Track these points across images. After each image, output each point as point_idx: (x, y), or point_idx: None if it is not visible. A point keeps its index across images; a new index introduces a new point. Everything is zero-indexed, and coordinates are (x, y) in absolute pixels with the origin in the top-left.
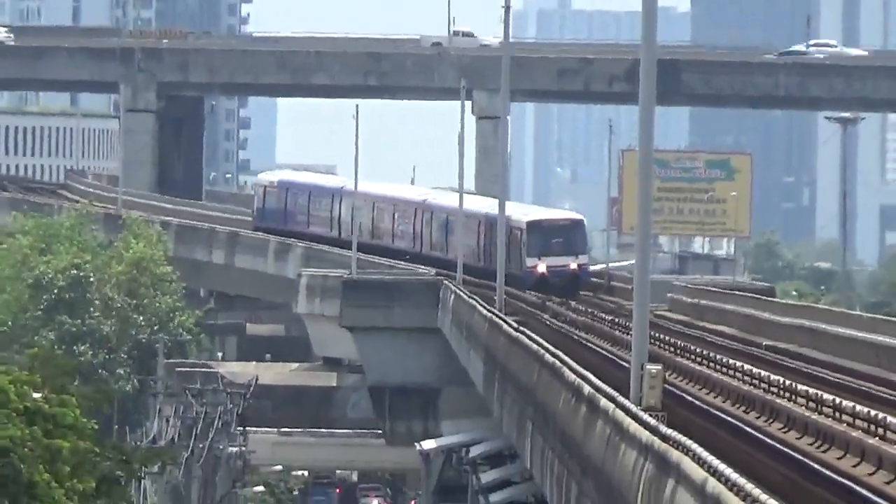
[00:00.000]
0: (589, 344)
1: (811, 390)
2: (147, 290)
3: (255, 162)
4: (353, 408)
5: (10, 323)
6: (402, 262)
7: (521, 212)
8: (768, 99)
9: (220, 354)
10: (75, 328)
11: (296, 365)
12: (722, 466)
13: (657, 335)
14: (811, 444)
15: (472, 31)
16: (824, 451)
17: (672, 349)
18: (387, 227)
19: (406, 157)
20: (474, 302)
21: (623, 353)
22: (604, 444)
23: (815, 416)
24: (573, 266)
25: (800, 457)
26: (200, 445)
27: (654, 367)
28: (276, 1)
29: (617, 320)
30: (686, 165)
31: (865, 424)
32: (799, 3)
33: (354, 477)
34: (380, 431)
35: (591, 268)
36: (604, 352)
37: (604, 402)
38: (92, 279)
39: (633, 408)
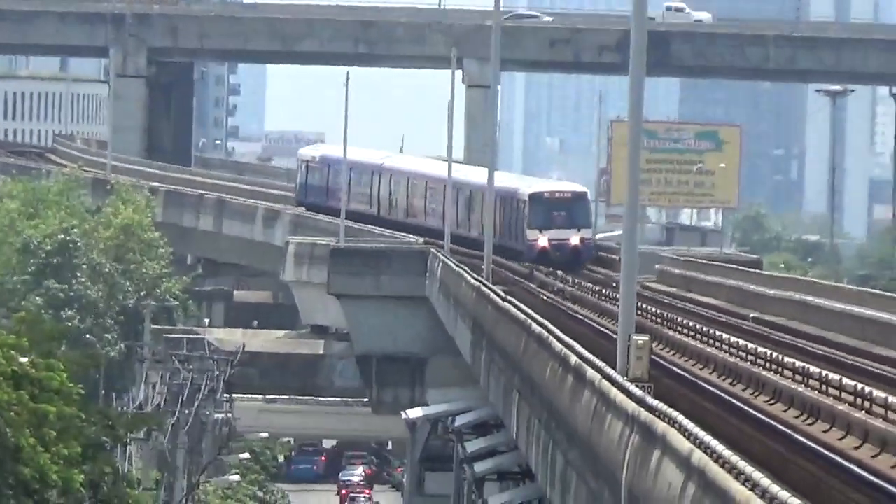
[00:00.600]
0: (576, 314)
1: (798, 363)
2: (135, 256)
3: (244, 128)
4: (339, 376)
5: None
6: (390, 231)
7: (525, 184)
8: (758, 71)
9: (207, 321)
10: (62, 293)
11: (283, 332)
12: (708, 438)
13: (644, 306)
14: (797, 417)
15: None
16: (810, 424)
17: (659, 320)
18: (419, 205)
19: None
20: (462, 271)
21: (610, 323)
22: (590, 414)
23: (801, 389)
24: (575, 240)
25: (786, 429)
26: (186, 412)
27: (640, 339)
28: None
29: (605, 291)
30: (675, 136)
31: (852, 398)
32: None
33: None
34: (366, 400)
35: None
36: (591, 322)
37: (590, 372)
38: (79, 244)
39: (620, 378)
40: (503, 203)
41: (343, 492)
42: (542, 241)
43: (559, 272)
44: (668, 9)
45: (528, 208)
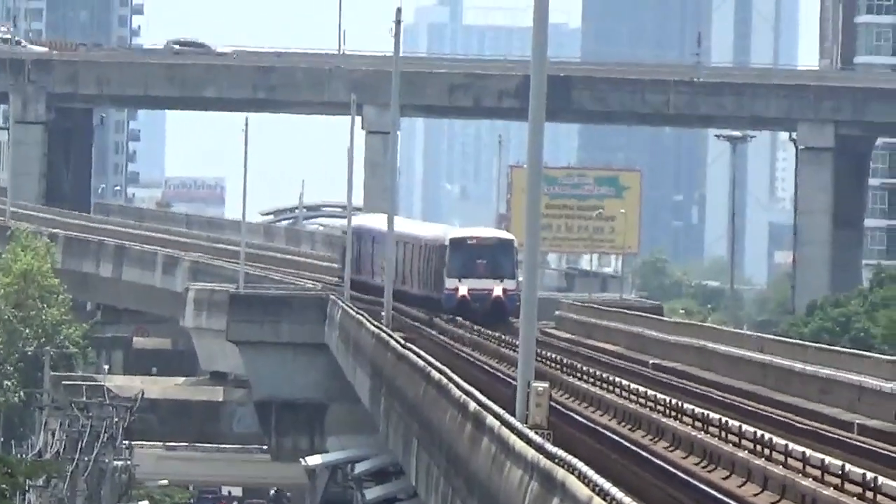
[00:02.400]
0: (476, 361)
1: (698, 409)
2: (34, 303)
3: (144, 174)
4: (238, 422)
5: None
6: (291, 277)
7: (445, 230)
8: (658, 116)
9: (106, 368)
10: None
11: (182, 379)
12: (607, 485)
13: (544, 353)
14: (697, 464)
15: None
16: (710, 471)
17: (559, 367)
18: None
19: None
20: (361, 317)
21: (510, 370)
22: (489, 461)
23: (701, 436)
24: (498, 291)
25: (685, 476)
26: (86, 459)
27: (540, 385)
28: (167, 14)
29: (504, 337)
30: (575, 182)
31: (752, 445)
32: (690, 21)
33: (239, 492)
34: (265, 447)
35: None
36: (491, 369)
37: (490, 419)
38: None
39: (519, 425)
40: (424, 250)
41: None
42: (462, 290)
43: (458, 319)
44: None
45: (448, 255)
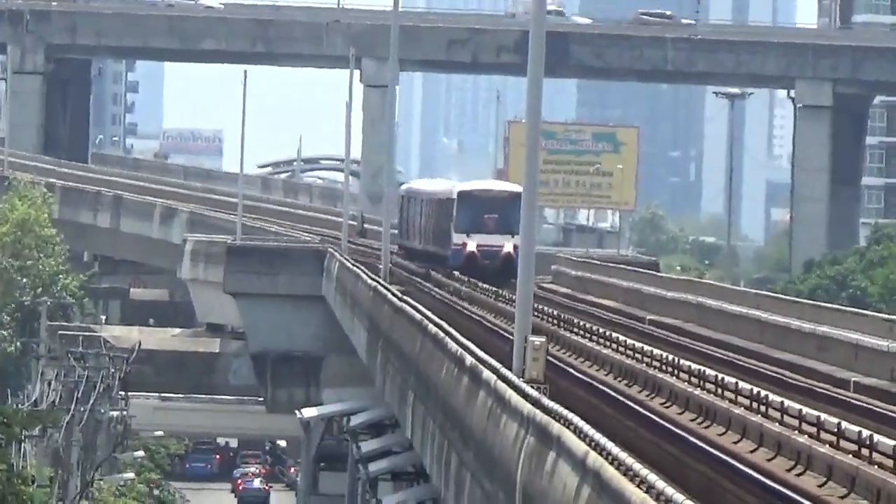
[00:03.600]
0: (473, 315)
1: (694, 366)
2: (31, 252)
3: (142, 126)
4: (234, 374)
5: None
6: (287, 229)
7: (453, 183)
8: (656, 73)
9: (103, 318)
10: None
11: (179, 331)
12: (603, 440)
13: (541, 307)
14: (693, 420)
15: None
16: (706, 427)
17: (556, 322)
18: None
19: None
20: (358, 271)
21: (507, 324)
22: (485, 415)
23: (697, 392)
24: (508, 247)
25: (681, 432)
26: (81, 409)
27: (537, 340)
28: None
29: (501, 292)
30: (573, 138)
31: (748, 401)
32: None
33: (235, 443)
34: (261, 398)
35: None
36: (488, 323)
37: (486, 373)
38: None
39: (516, 380)
40: (432, 205)
41: (239, 483)
42: (470, 245)
43: (455, 273)
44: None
45: (456, 208)
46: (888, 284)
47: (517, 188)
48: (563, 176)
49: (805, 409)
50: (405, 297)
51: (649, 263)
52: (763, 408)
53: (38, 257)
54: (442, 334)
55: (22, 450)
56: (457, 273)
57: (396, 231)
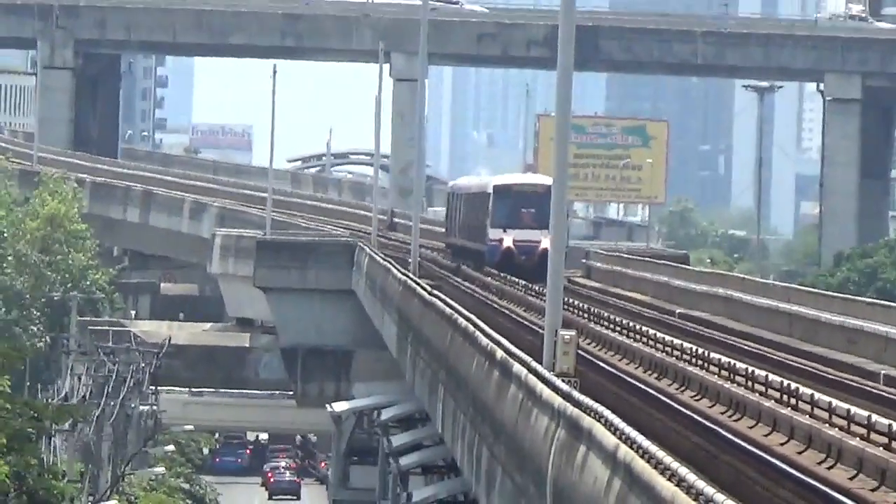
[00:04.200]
0: (503, 309)
1: (724, 359)
2: (61, 247)
3: (172, 121)
4: (265, 368)
5: None
6: (317, 224)
7: (495, 178)
8: (686, 66)
9: (133, 313)
10: None
11: (209, 325)
12: (634, 433)
13: (571, 301)
14: (723, 413)
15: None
16: (736, 420)
17: (586, 315)
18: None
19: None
20: (388, 265)
21: (537, 318)
22: (516, 409)
23: (727, 385)
24: (545, 243)
25: (712, 425)
26: (112, 404)
27: (567, 333)
28: None
29: (531, 286)
30: (602, 131)
31: (778, 394)
32: None
33: (265, 437)
34: (291, 393)
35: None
36: (518, 317)
37: (517, 367)
38: (6, 235)
39: (546, 373)
40: (470, 201)
41: (269, 475)
42: (507, 241)
43: (486, 267)
44: None
45: (492, 203)
46: None
47: (550, 180)
48: (593, 170)
49: (835, 402)
50: (435, 292)
51: (679, 257)
52: (793, 401)
53: (67, 252)
54: (472, 328)
55: (52, 444)
56: (493, 270)
57: (444, 230)
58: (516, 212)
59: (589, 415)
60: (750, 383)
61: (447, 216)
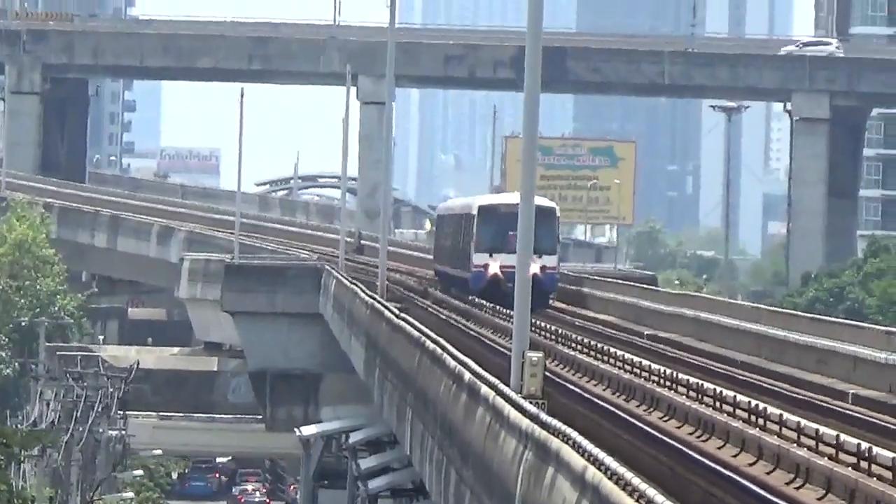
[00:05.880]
0: (470, 331)
1: (692, 379)
2: (29, 273)
3: (140, 144)
4: (233, 393)
5: None
6: (284, 247)
7: (475, 199)
8: (653, 87)
9: (101, 338)
10: None
11: (177, 349)
12: (602, 455)
13: (539, 323)
14: (692, 434)
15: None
16: (705, 441)
17: (553, 337)
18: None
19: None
20: (356, 288)
21: (504, 340)
22: (484, 431)
23: (695, 406)
24: (534, 268)
25: (680, 445)
26: (80, 429)
27: (534, 355)
28: None
29: (498, 308)
30: (570, 153)
31: (746, 414)
32: None
33: (233, 462)
34: (260, 417)
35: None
36: (485, 339)
37: (484, 389)
38: None
39: (514, 395)
40: (453, 222)
41: (240, 499)
42: (493, 267)
43: (453, 290)
44: None
45: (476, 225)
46: (886, 297)
47: (546, 202)
48: (560, 191)
49: (804, 422)
50: (402, 314)
51: (647, 278)
52: (762, 421)
53: (36, 277)
54: (440, 350)
55: (21, 470)
56: (478, 299)
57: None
58: (503, 235)
59: (557, 437)
60: (718, 403)
61: (434, 241)
